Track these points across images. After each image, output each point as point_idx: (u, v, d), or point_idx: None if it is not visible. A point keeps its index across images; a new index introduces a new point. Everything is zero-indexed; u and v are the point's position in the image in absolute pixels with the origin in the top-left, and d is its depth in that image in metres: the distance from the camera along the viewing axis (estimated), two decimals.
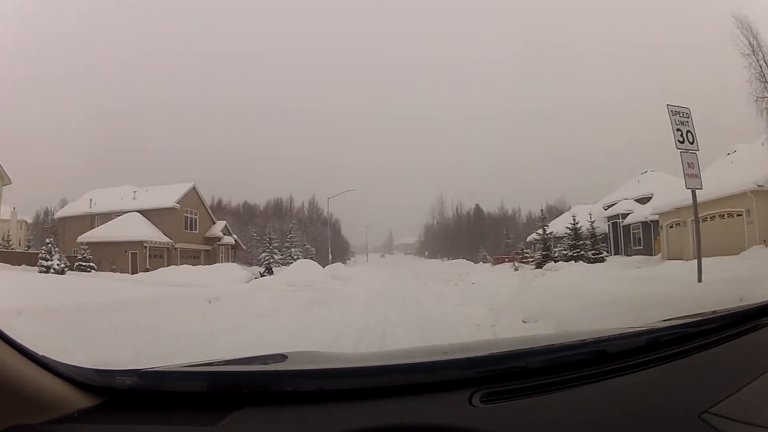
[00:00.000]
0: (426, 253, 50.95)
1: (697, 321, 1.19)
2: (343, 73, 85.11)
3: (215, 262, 27.51)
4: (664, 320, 1.36)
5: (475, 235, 54.79)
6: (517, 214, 59.67)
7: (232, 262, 32.82)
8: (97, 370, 0.91)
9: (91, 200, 28.00)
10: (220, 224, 30.56)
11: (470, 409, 0.82)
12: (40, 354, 0.85)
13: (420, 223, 65.67)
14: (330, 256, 37.77)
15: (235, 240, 31.72)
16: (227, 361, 1.20)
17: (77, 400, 0.86)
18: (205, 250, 29.28)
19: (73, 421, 0.82)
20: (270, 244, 37.05)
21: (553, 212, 52.07)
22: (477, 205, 58.75)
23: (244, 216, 48.69)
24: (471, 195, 58.78)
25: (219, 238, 29.94)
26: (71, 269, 20.23)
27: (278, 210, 54.26)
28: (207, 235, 29.26)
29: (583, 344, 1.07)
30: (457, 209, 60.54)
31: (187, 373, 1.02)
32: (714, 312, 1.28)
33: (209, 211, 30.53)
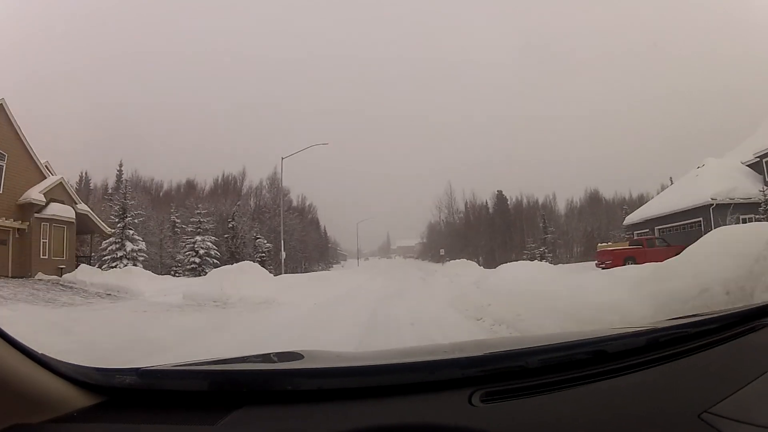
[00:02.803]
0: (442, 251, 39.20)
1: (697, 321, 1.27)
2: (341, 71, 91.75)
3: (30, 251, 9.37)
4: (664, 320, 1.43)
5: (500, 230, 41.07)
6: (551, 202, 45.22)
7: (79, 253, 14.62)
8: (97, 369, 0.95)
9: None
10: (50, 181, 11.90)
11: (470, 408, 0.86)
12: (40, 353, 0.89)
13: (421, 223, 59.64)
14: (282, 254, 23.99)
15: (79, 214, 13.00)
16: (227, 359, 1.23)
17: (77, 399, 0.90)
18: (18, 228, 9.76)
19: (73, 420, 0.86)
20: (122, 218, 19.15)
21: (595, 198, 43.25)
22: (499, 192, 45.74)
23: (182, 196, 36.22)
24: (476, 192, 49.49)
25: (39, 207, 11.20)
26: None
27: (227, 189, 40.09)
28: (21, 200, 10.06)
29: (583, 344, 1.13)
30: (467, 204, 48.46)
31: (186, 371, 1.07)
32: (714, 312, 1.37)
33: (34, 155, 11.91)
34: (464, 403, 0.86)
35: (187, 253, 26.16)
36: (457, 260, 25.55)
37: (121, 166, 36.48)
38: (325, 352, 1.47)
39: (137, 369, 0.95)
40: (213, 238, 26.67)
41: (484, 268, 22.55)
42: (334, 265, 48.75)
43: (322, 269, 39.17)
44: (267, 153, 70.83)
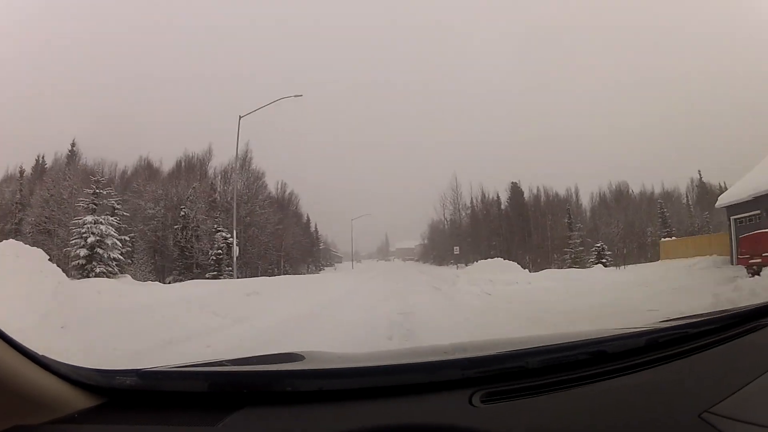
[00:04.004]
0: (456, 250, 32.42)
1: (697, 322, 1.28)
2: (339, 65, 72.15)
3: None
4: (664, 321, 1.42)
5: (518, 227, 34.82)
6: (573, 196, 37.58)
7: None
8: (97, 370, 0.97)
9: None
10: None
11: (470, 409, 0.88)
12: (41, 354, 0.91)
13: (421, 224, 52.21)
14: (235, 249, 18.56)
15: None
16: (227, 361, 1.26)
17: (78, 400, 0.91)
18: None
19: (73, 422, 0.88)
20: None
21: (623, 193, 36.10)
22: (514, 184, 38.63)
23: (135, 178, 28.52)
24: (485, 186, 42.95)
25: None
26: None
27: (190, 171, 30.30)
28: None
29: (583, 344, 1.14)
30: (473, 200, 41.10)
31: (187, 373, 1.09)
32: (714, 312, 1.37)
33: None
34: (465, 404, 0.86)
35: (74, 242, 17.03)
36: (487, 260, 17.51)
37: (73, 145, 30.04)
38: (326, 353, 1.47)
39: (137, 370, 0.95)
40: (113, 220, 17.97)
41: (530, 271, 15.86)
42: (325, 268, 45.61)
43: (311, 272, 35.46)
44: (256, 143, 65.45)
